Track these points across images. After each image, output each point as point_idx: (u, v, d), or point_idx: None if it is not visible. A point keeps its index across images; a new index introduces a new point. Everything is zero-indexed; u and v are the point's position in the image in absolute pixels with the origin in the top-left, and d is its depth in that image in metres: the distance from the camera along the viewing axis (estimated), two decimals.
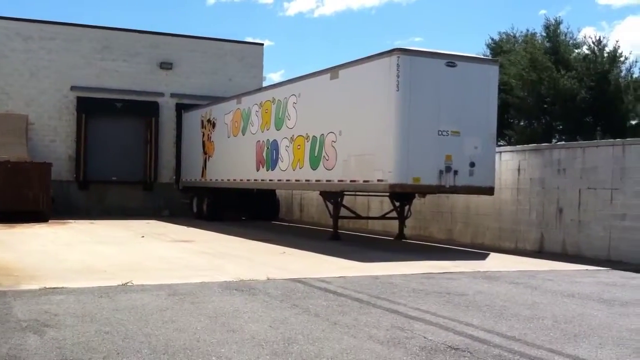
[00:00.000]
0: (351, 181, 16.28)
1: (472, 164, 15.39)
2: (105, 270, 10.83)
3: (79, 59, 26.70)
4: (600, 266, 12.97)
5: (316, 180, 17.69)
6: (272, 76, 76.20)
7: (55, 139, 26.15)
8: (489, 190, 15.74)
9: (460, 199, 17.49)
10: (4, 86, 25.39)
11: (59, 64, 26.38)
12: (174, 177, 27.64)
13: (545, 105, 39.46)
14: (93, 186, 26.44)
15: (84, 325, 6.85)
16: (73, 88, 26.53)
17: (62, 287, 8.86)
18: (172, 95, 28.06)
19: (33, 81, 25.95)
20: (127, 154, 26.94)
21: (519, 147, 18.43)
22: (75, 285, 9.04)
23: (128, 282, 9.36)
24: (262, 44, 30.78)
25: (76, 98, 26.52)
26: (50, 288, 8.79)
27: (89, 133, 26.51)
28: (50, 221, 20.91)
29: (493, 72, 16.10)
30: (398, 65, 14.75)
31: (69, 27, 27.20)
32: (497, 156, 16.45)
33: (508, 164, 16.73)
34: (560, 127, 39.82)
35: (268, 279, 10.11)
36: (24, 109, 25.52)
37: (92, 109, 26.55)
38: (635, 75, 39.49)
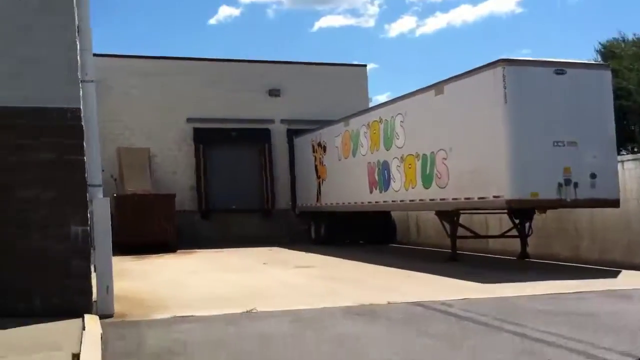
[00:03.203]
0: (466, 199, 15.91)
1: (593, 175, 14.69)
2: (230, 297, 11.09)
3: (193, 91, 27.54)
4: None
5: (430, 200, 17.44)
6: (379, 98, 76.28)
7: (177, 170, 27.03)
8: (615, 203, 14.87)
9: (584, 212, 16.63)
10: (127, 121, 26.56)
11: (174, 97, 27.26)
12: (290, 203, 27.94)
13: None
14: (215, 215, 27.02)
15: (212, 353, 7.08)
16: (189, 120, 27.44)
17: (191, 316, 9.15)
18: (282, 121, 28.51)
19: (152, 115, 26.94)
20: (244, 182, 27.41)
21: None
22: (202, 313, 9.32)
23: (253, 309, 9.55)
24: (365, 65, 30.84)
25: (192, 129, 27.42)
26: (179, 317, 9.11)
27: (207, 163, 27.24)
28: (177, 251, 21.49)
29: (605, 77, 15.42)
30: (504, 76, 14.38)
31: (183, 62, 28.21)
32: (619, 165, 15.59)
33: (632, 173, 15.79)
34: None
35: (389, 303, 10.06)
36: (146, 142, 26.58)
37: (207, 139, 27.31)
38: None
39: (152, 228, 21.34)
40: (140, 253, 20.16)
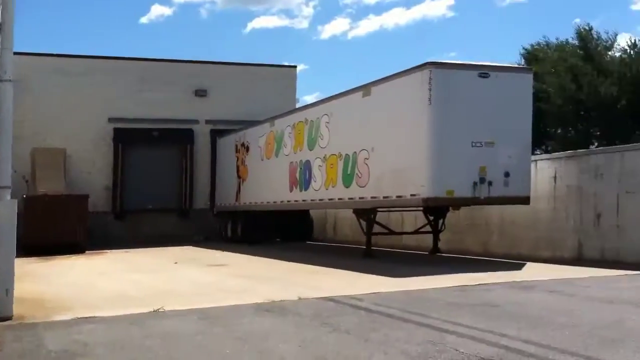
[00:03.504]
0: (384, 197, 16.15)
1: (507, 174, 15.15)
2: (137, 297, 10.86)
3: (115, 91, 27.06)
4: None
5: (349, 198, 17.60)
6: (308, 99, 76.14)
7: (92, 170, 26.47)
8: (525, 200, 15.45)
9: (495, 209, 17.18)
10: (43, 120, 25.76)
11: (97, 97, 26.72)
12: (209, 203, 27.74)
13: (582, 112, 38.94)
14: (129, 215, 26.66)
15: (113, 354, 6.85)
16: (110, 120, 26.91)
17: (94, 317, 8.87)
18: (207, 121, 28.26)
19: (71, 115, 26.30)
20: (163, 182, 27.12)
21: (554, 154, 18.12)
22: (106, 314, 9.06)
23: (159, 309, 9.34)
24: (295, 67, 30.89)
25: (113, 129, 26.88)
26: (81, 318, 8.81)
27: (125, 163, 26.82)
28: (87, 252, 21.04)
29: (527, 80, 15.98)
30: (430, 78, 14.67)
31: (106, 61, 27.69)
32: (532, 165, 16.13)
33: (544, 172, 16.41)
34: (598, 133, 39.21)
35: (299, 298, 10.02)
36: (62, 142, 25.83)
37: (128, 139, 26.88)
38: None
39: (61, 229, 20.89)
40: (48, 254, 19.57)
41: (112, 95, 26.99)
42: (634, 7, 69.75)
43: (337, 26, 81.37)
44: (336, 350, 6.67)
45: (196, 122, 28.15)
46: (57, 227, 20.85)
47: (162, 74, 27.94)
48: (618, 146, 16.77)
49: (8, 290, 8.99)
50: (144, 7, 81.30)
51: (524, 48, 44.89)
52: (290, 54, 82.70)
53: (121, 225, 26.44)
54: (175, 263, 17.07)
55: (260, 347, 6.97)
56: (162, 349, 7.00)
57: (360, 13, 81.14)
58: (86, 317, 8.82)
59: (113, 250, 21.69)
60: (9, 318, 8.80)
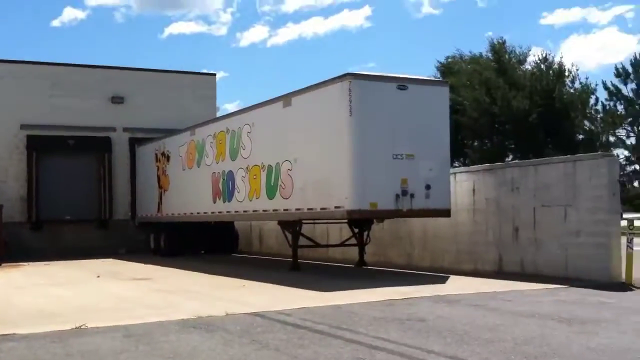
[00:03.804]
0: (308, 209, 16.14)
1: (428, 187, 15.36)
2: (58, 313, 10.52)
3: (28, 97, 26.21)
4: (559, 284, 13.00)
5: (273, 210, 17.53)
6: (228, 107, 76.37)
7: (5, 179, 25.57)
8: (446, 213, 15.73)
9: (417, 222, 17.49)
10: None
11: (7, 103, 25.85)
12: (130, 214, 27.17)
13: (497, 125, 40.30)
14: (47, 226, 25.82)
15: None
16: (23, 127, 26.02)
17: (13, 334, 8.56)
18: (125, 129, 27.66)
19: None
20: (81, 192, 26.41)
21: (473, 167, 18.55)
22: (26, 331, 8.74)
23: (82, 325, 9.07)
24: (215, 74, 30.74)
25: (26, 137, 26.00)
26: (0, 335, 8.46)
27: (40, 172, 25.98)
28: (2, 265, 20.29)
29: (443, 93, 16.25)
30: (350, 90, 14.72)
31: (17, 65, 26.82)
32: (452, 177, 16.43)
33: (463, 185, 16.77)
34: (513, 145, 40.64)
35: (227, 314, 9.91)
36: None
37: (42, 147, 26.07)
38: (579, 86, 40.75)
39: None
40: None
41: (24, 101, 26.16)
42: (543, 22, 72.94)
43: (256, 34, 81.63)
44: None
45: (113, 129, 27.53)
46: None
47: (76, 79, 27.25)
48: (532, 160, 17.27)
49: None
50: (55, 10, 79.26)
51: (438, 61, 46.22)
52: (209, 60, 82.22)
53: (39, 237, 25.53)
54: (98, 277, 16.63)
55: None
56: None
57: (278, 21, 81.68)
58: (5, 335, 8.50)
59: (31, 263, 21.00)
60: None
